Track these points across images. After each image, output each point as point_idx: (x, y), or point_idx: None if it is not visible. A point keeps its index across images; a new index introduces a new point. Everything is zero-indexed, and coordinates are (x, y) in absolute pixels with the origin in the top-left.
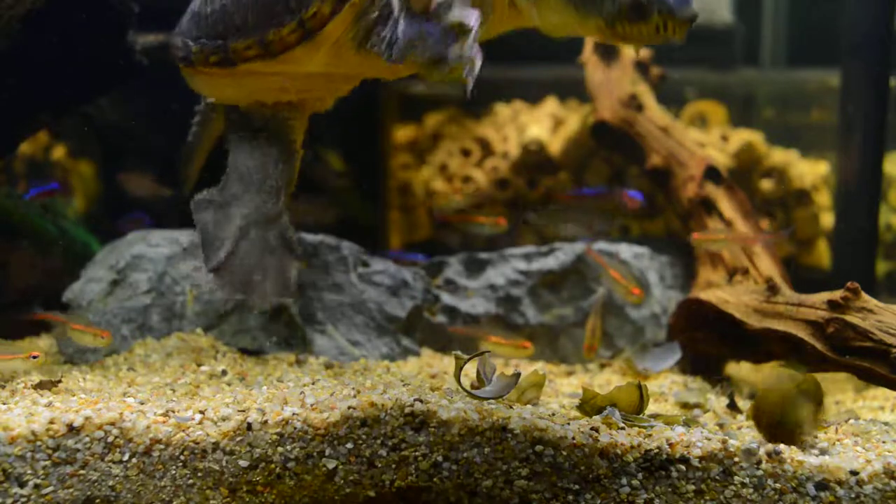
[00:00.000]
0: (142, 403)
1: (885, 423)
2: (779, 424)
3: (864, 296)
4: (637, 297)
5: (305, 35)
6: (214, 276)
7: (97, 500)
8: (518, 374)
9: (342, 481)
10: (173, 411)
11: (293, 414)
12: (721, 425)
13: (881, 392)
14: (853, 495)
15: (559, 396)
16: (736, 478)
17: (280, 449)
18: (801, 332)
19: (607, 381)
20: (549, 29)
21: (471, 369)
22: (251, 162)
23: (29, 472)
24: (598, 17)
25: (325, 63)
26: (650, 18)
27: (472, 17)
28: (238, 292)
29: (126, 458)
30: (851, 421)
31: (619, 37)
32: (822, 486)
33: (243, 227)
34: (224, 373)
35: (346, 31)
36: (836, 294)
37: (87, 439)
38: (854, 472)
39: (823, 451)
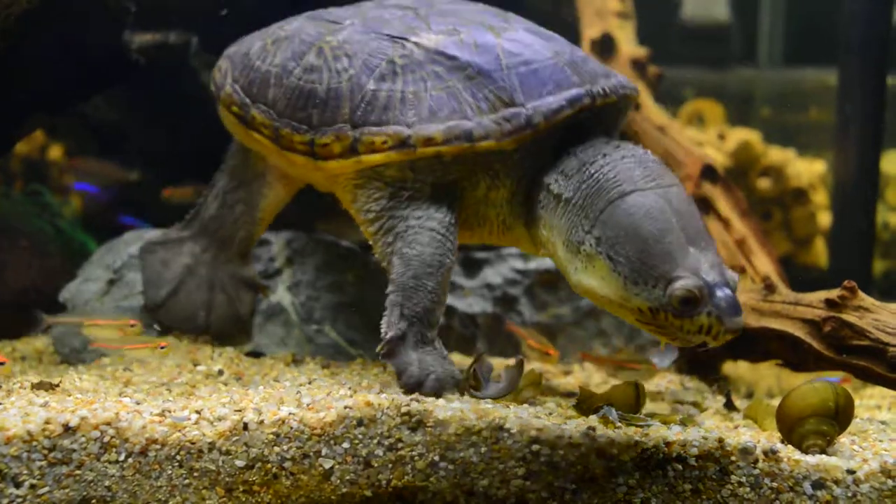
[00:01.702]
0: (138, 403)
1: (882, 422)
2: (802, 435)
3: (861, 294)
4: (552, 358)
5: (312, 154)
6: (153, 314)
7: (93, 501)
8: (521, 363)
9: (339, 481)
10: (169, 411)
11: (289, 413)
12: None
13: (878, 391)
14: (850, 494)
15: (556, 395)
16: (733, 477)
17: (276, 449)
18: (798, 331)
19: (604, 380)
20: (576, 285)
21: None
22: (213, 211)
23: (25, 472)
24: (644, 301)
25: (323, 181)
26: (697, 318)
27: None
28: (176, 327)
29: (122, 458)
30: None
31: (656, 325)
32: (818, 484)
33: (191, 266)
34: (220, 372)
35: (346, 177)
36: (833, 293)
37: (83, 439)
38: (851, 471)
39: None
